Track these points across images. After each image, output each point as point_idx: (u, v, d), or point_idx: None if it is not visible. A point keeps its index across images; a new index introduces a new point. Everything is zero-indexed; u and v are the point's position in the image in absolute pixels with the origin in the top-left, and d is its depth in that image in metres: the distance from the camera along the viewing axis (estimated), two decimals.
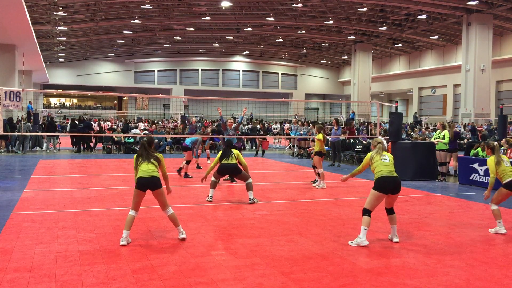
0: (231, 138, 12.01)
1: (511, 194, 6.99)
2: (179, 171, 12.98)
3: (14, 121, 22.09)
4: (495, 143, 7.41)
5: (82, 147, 21.52)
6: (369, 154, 6.61)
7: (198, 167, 15.00)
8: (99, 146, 22.72)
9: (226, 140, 10.03)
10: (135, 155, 6.48)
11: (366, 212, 6.25)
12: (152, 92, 56.26)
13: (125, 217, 7.58)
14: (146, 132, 24.45)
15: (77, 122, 22.46)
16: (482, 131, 24.37)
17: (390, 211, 6.46)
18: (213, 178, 9.39)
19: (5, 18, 20.24)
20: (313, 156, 11.97)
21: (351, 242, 6.22)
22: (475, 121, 32.27)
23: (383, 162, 6.44)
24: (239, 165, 9.34)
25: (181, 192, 10.26)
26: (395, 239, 6.41)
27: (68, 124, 28.10)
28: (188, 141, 13.46)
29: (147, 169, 6.25)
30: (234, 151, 9.41)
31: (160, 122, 35.15)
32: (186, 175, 12.80)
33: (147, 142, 6.47)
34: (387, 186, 6.27)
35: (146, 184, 6.20)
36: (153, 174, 6.25)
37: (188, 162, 12.87)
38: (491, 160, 7.10)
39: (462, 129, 27.61)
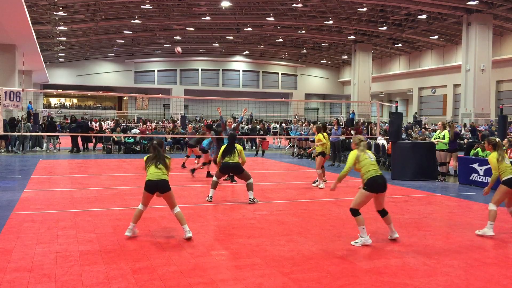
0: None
1: (511, 192, 6.79)
2: (208, 174, 12.97)
3: (15, 122, 22.04)
4: (497, 139, 7.31)
5: (82, 147, 21.50)
6: (354, 153, 6.42)
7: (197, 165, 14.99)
8: (99, 146, 22.74)
9: (229, 133, 9.86)
10: (146, 156, 6.60)
11: (357, 212, 6.18)
12: (152, 92, 56.25)
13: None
14: (146, 133, 24.41)
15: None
16: (482, 131, 24.38)
17: (383, 213, 6.39)
18: (214, 178, 9.33)
19: (5, 18, 20.23)
20: (314, 156, 11.92)
21: (355, 243, 6.18)
22: (475, 121, 32.26)
23: (370, 161, 6.33)
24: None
25: (181, 192, 10.25)
26: (395, 235, 6.40)
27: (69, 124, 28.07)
28: (205, 143, 13.15)
29: (156, 172, 6.36)
30: (238, 146, 9.30)
31: (160, 122, 35.14)
32: (193, 171, 13.02)
33: (158, 144, 6.57)
34: (379, 186, 6.21)
35: (154, 187, 6.35)
36: (162, 178, 6.35)
37: (204, 164, 13.00)
38: (492, 156, 6.95)
39: (463, 130, 27.51)
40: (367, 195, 6.21)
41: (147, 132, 23.64)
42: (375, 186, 6.19)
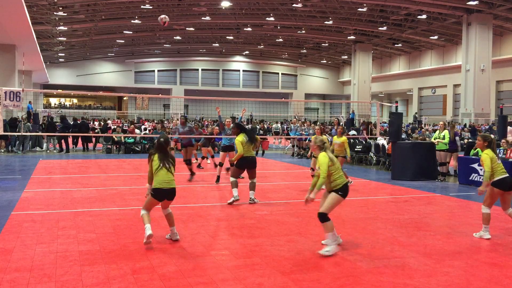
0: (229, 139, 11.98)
1: (501, 193, 6.61)
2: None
3: (17, 122, 21.95)
4: (492, 136, 7.22)
5: (82, 147, 21.48)
6: (325, 156, 5.95)
7: (200, 166, 14.99)
8: (99, 146, 22.74)
9: (235, 124, 9.68)
10: (149, 154, 6.22)
11: (327, 217, 5.90)
12: (152, 92, 56.25)
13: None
14: (146, 133, 24.42)
15: (75, 122, 22.29)
16: (482, 131, 24.34)
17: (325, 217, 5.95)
18: (232, 179, 8.99)
19: (5, 18, 20.23)
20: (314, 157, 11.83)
21: (327, 251, 5.76)
22: (475, 121, 32.25)
23: (339, 163, 6.13)
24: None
25: (181, 192, 10.24)
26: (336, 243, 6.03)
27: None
28: (225, 141, 12.40)
29: (166, 179, 6.06)
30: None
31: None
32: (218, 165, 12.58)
33: (165, 142, 6.17)
34: (348, 191, 6.06)
35: (165, 196, 6.14)
36: (173, 186, 6.13)
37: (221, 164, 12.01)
38: (486, 153, 6.71)
39: (464, 132, 27.34)
40: (340, 201, 6.00)
41: (136, 131, 23.56)
42: (347, 191, 6.03)
